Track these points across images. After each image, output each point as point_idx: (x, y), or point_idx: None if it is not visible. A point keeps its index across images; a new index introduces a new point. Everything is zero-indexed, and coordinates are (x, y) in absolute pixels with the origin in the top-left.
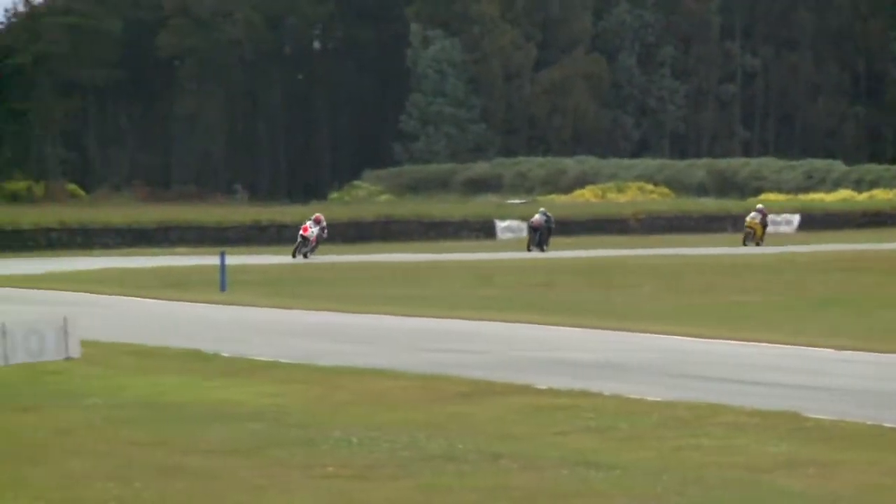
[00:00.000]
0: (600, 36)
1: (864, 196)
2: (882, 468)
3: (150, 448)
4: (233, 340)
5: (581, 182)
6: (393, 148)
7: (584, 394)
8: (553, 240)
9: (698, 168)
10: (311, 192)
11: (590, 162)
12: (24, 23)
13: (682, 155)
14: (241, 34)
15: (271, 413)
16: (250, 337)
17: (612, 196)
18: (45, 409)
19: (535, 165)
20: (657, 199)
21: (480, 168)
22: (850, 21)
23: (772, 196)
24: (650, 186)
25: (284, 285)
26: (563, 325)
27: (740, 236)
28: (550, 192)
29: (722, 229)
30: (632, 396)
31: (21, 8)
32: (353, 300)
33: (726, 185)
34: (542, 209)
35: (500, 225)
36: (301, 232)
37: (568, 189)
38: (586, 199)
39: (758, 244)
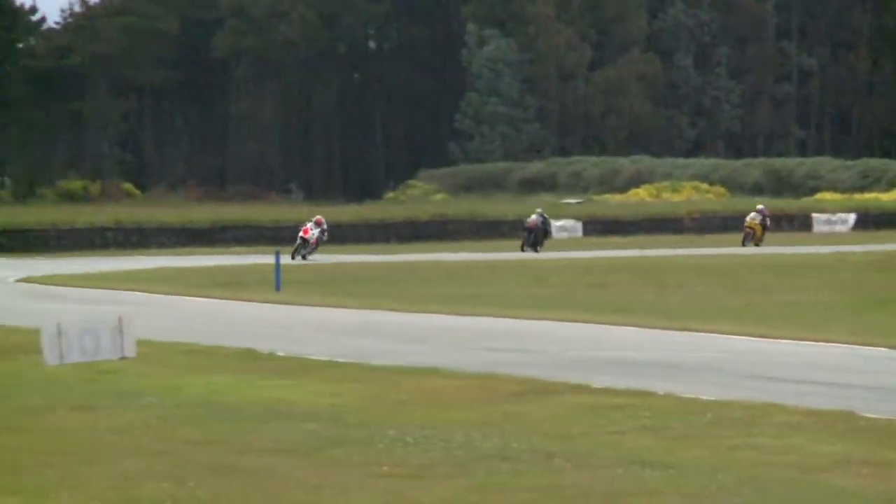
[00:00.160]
0: (656, 36)
1: None
2: None
3: (205, 447)
4: (288, 340)
5: (636, 181)
6: (448, 147)
7: (639, 393)
8: (607, 239)
9: (753, 168)
10: (365, 191)
11: (645, 161)
12: (81, 23)
13: (738, 154)
14: (297, 34)
15: (327, 412)
16: (305, 336)
17: (667, 196)
18: (101, 409)
19: (589, 165)
20: (712, 198)
21: (535, 167)
22: None
23: (827, 195)
24: (705, 186)
25: (339, 284)
26: (618, 324)
27: (797, 236)
28: (605, 192)
29: (777, 228)
30: (687, 396)
31: (77, 8)
32: (407, 299)
33: (781, 185)
34: (538, 210)
35: (555, 224)
36: (301, 233)
37: (623, 188)
38: (641, 198)
39: (757, 244)
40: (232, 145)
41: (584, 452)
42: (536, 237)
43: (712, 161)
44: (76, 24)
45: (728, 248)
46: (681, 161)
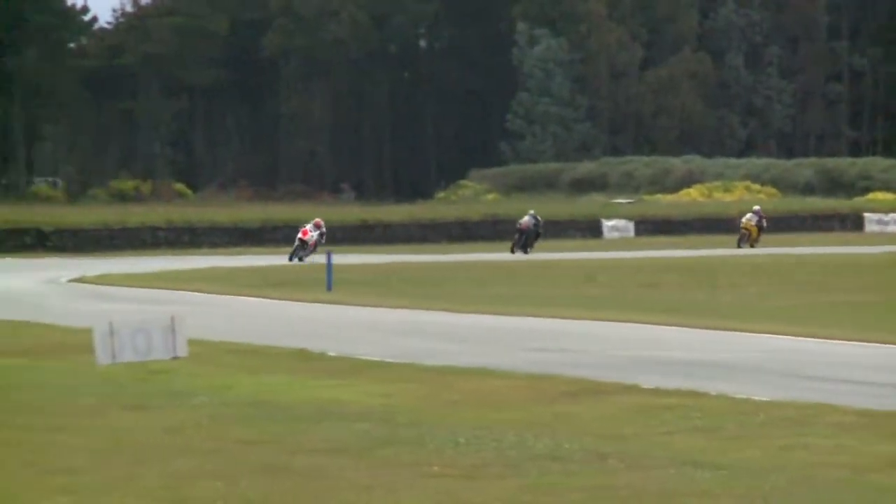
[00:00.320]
0: (707, 35)
1: None
2: None
3: (256, 447)
4: (339, 340)
5: (688, 181)
6: (499, 147)
7: (691, 393)
8: (659, 239)
9: (805, 167)
10: (417, 190)
11: (696, 161)
12: (132, 23)
13: (789, 154)
14: (347, 33)
15: (378, 413)
16: (356, 336)
17: (718, 195)
18: (153, 408)
19: (641, 165)
20: (764, 198)
21: (586, 167)
22: None
23: (879, 195)
24: (757, 186)
25: (390, 285)
26: (669, 324)
27: (849, 236)
28: (657, 192)
29: (830, 228)
30: (739, 396)
31: (128, 8)
32: (458, 299)
33: (833, 185)
34: (531, 211)
35: (607, 224)
36: (300, 235)
37: (674, 188)
38: (693, 198)
39: (752, 246)
40: (282, 145)
41: (636, 453)
42: (528, 239)
43: (764, 161)
44: (128, 24)
45: (780, 248)
46: (732, 161)
